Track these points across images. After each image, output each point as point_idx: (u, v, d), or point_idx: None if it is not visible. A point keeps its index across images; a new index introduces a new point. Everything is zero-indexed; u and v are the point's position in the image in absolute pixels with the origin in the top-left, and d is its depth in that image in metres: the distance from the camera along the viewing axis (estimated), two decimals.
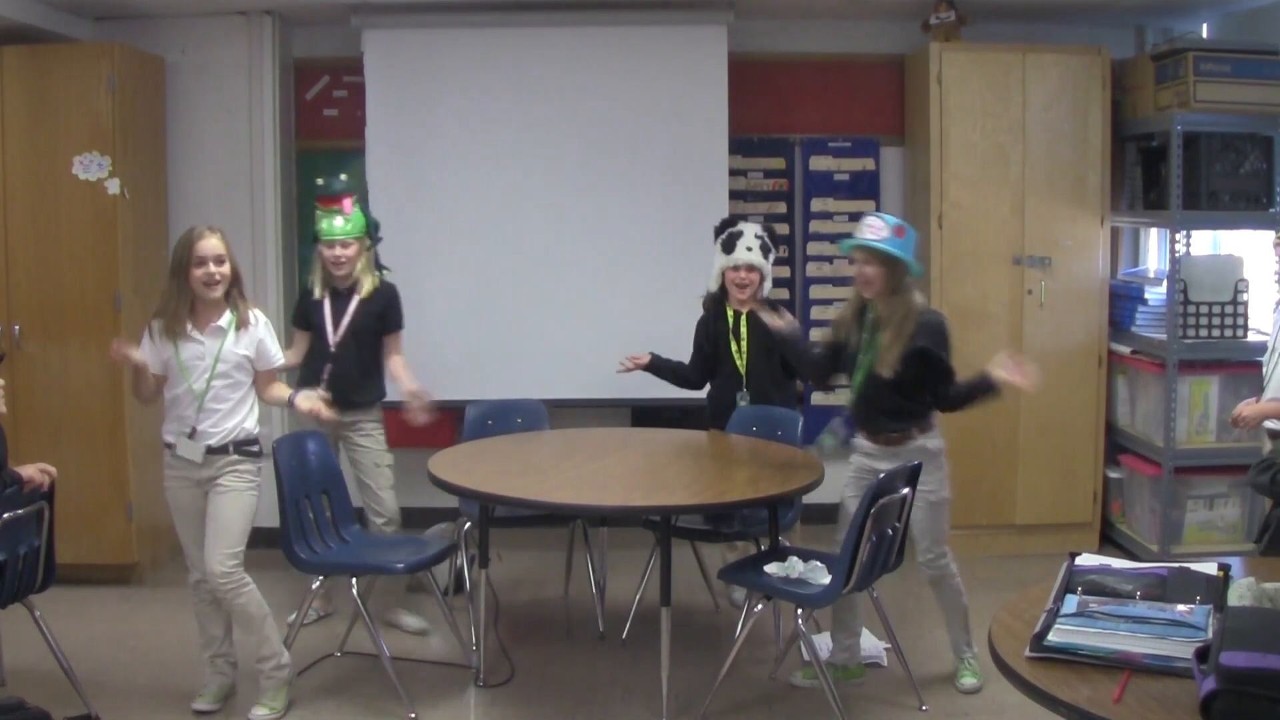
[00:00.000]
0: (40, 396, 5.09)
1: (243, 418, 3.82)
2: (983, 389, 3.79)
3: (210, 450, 3.76)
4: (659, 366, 4.87)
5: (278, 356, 3.96)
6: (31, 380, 5.07)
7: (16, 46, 5.06)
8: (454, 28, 5.57)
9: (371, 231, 4.64)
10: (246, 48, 5.62)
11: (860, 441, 4.03)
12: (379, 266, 4.68)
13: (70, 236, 5.09)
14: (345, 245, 4.50)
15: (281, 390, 3.99)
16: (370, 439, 4.63)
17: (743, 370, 4.69)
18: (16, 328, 5.09)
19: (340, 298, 4.56)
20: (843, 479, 4.03)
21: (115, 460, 5.16)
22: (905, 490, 3.68)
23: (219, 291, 3.73)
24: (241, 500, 3.80)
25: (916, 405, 3.91)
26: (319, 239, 4.54)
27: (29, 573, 3.65)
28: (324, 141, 5.90)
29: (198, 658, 4.02)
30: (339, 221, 4.49)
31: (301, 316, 4.65)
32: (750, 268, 4.62)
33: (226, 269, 3.74)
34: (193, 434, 3.75)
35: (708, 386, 4.87)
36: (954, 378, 3.84)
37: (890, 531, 3.69)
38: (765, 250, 4.66)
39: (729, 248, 4.65)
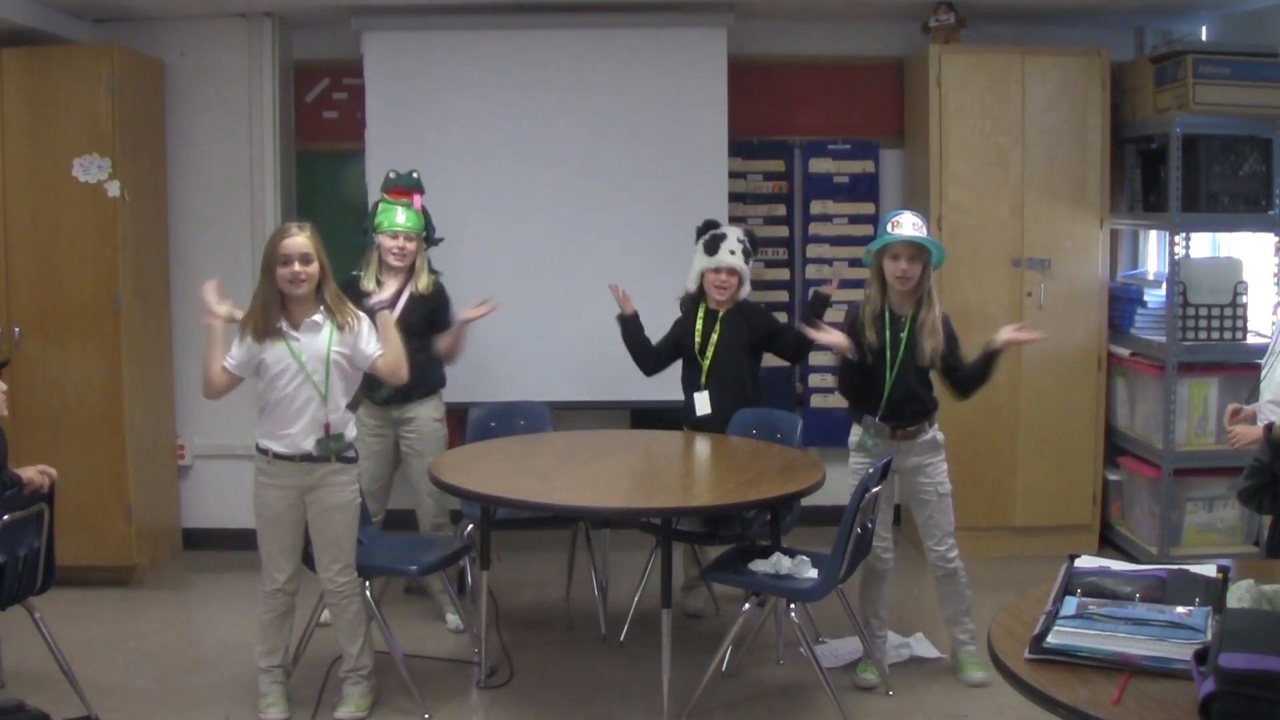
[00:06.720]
0: (40, 398, 5.09)
1: (348, 420, 3.84)
2: (987, 358, 3.95)
3: (313, 458, 3.74)
4: (633, 327, 4.78)
5: (371, 351, 3.82)
6: (31, 382, 5.06)
7: (16, 49, 5.06)
8: (454, 30, 5.57)
9: (430, 233, 4.67)
10: (246, 50, 5.62)
11: (865, 440, 4.06)
12: (431, 270, 4.69)
13: (70, 238, 5.09)
14: (409, 239, 4.54)
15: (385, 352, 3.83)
16: (424, 443, 4.64)
17: (705, 370, 4.68)
18: (16, 329, 5.09)
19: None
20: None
21: (115, 462, 5.16)
22: (879, 486, 3.82)
23: (304, 289, 3.71)
24: (348, 512, 3.83)
25: (933, 399, 4.07)
26: (379, 230, 4.53)
27: (29, 574, 3.66)
28: (324, 144, 5.89)
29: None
30: (406, 216, 4.53)
31: None
32: (731, 271, 4.65)
33: (313, 268, 3.71)
34: (326, 431, 3.73)
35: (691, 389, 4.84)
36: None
37: (870, 524, 3.83)
38: (746, 255, 4.70)
39: (712, 249, 4.67)
